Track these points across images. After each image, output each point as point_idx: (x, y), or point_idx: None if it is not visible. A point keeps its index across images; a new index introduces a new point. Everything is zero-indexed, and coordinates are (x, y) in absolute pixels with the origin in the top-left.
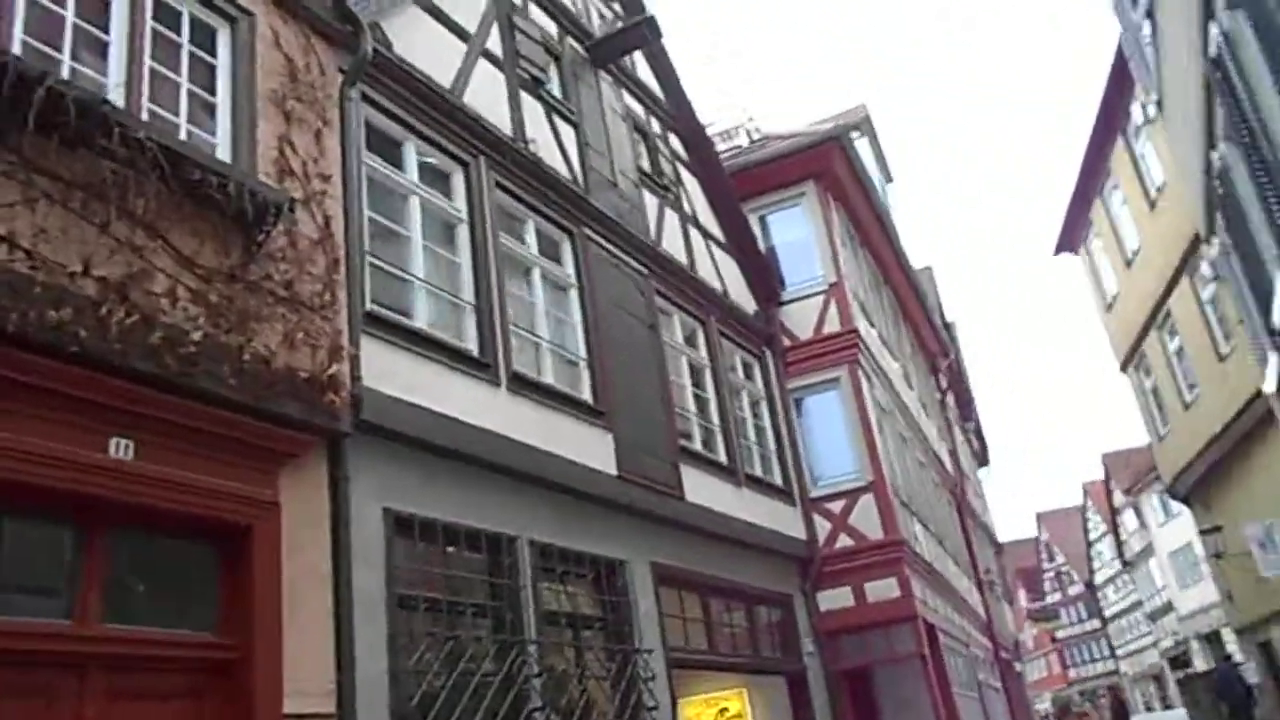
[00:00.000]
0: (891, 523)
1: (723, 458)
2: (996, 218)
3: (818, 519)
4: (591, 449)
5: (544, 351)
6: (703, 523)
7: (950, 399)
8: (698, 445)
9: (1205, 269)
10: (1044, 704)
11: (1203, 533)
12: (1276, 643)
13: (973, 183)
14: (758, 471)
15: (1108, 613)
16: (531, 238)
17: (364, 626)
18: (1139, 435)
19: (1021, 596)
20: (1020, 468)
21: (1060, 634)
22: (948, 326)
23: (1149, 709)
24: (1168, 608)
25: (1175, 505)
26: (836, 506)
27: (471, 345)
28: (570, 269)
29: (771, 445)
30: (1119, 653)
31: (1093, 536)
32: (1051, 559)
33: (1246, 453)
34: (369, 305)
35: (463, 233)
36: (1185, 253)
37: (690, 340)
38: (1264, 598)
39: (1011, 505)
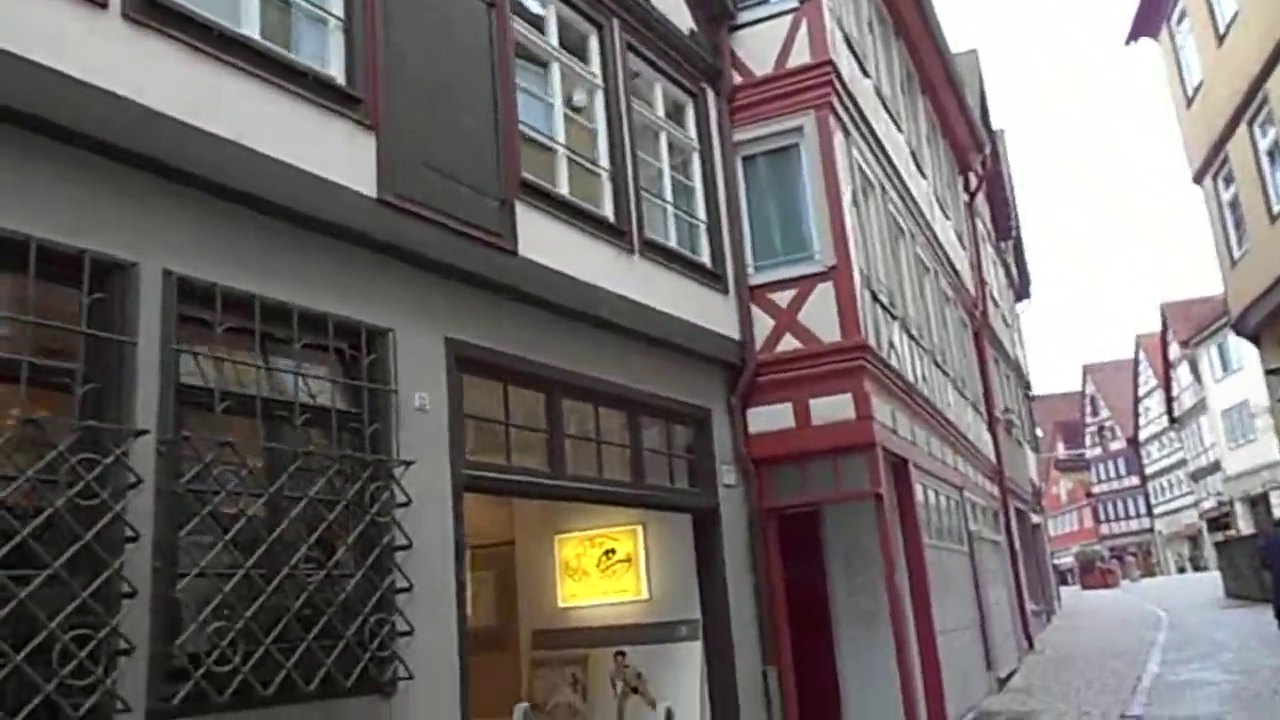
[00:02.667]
0: (852, 321)
1: (607, 212)
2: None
3: (757, 313)
4: (331, 152)
5: None
6: (556, 295)
7: (984, 209)
8: (562, 189)
9: None
10: (1067, 558)
11: (1270, 373)
12: None
13: None
14: (671, 242)
15: (1149, 470)
16: None
17: None
18: (1201, 285)
19: (1060, 450)
20: (1069, 317)
21: (1096, 489)
22: (990, 129)
23: (1180, 571)
24: (1214, 467)
25: (1235, 360)
26: (784, 298)
27: None
28: None
29: (701, 213)
30: (1156, 511)
31: (1142, 391)
32: (1095, 413)
33: None
34: None
35: None
36: None
37: (574, 48)
38: None
39: (1057, 355)
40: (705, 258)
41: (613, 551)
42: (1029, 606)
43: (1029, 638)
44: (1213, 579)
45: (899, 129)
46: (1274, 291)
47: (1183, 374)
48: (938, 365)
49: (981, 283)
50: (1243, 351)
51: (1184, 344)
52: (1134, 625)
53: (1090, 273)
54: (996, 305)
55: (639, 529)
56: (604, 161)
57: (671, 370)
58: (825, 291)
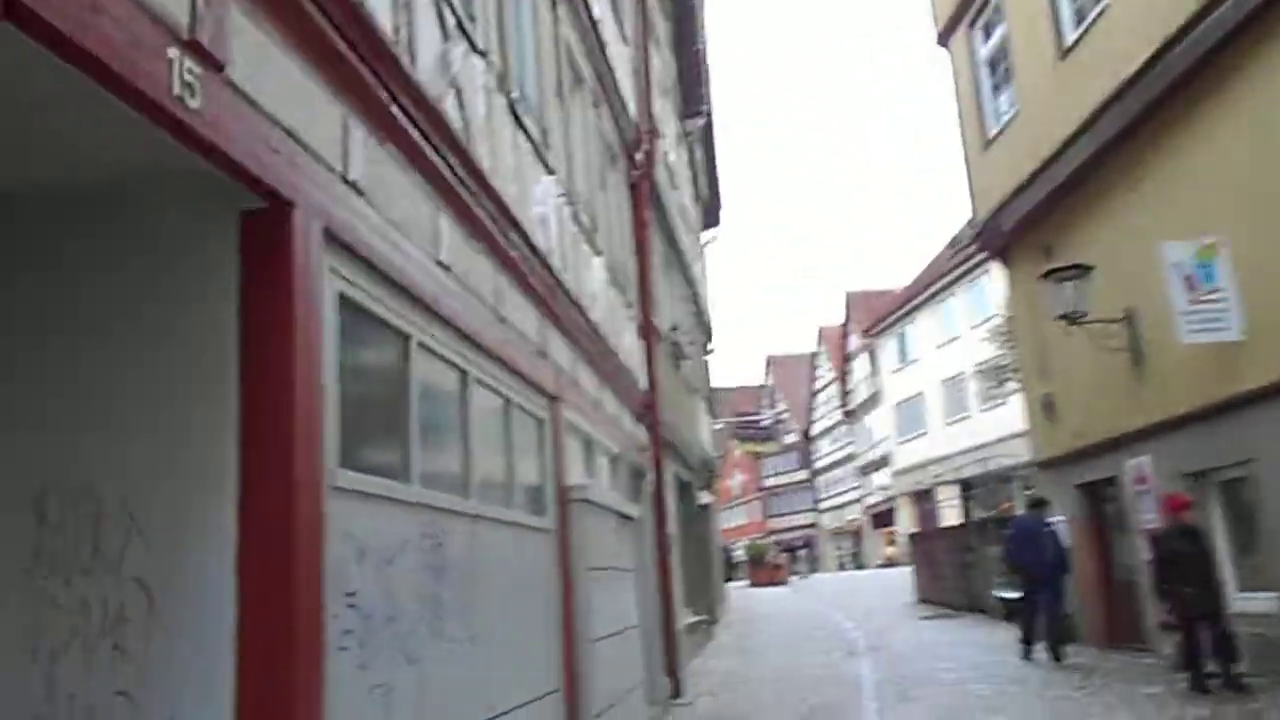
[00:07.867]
0: None
1: None
2: None
3: None
4: None
5: None
6: None
7: (667, 49)
8: None
9: None
10: (739, 552)
11: (1055, 274)
12: (1126, 484)
13: None
14: None
15: (817, 465)
16: None
17: None
18: (885, 279)
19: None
20: (756, 301)
21: (767, 483)
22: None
23: (841, 568)
24: (882, 461)
25: (912, 351)
26: None
27: None
28: None
29: None
30: (820, 506)
31: (819, 384)
32: (773, 406)
33: (1181, 119)
34: None
35: None
36: None
37: None
38: (1129, 404)
39: (738, 346)
40: None
41: None
42: (681, 621)
43: (675, 677)
44: (889, 577)
45: None
46: (1060, 159)
47: (860, 366)
48: (540, 155)
49: (651, 121)
50: (920, 343)
51: (865, 333)
52: (821, 645)
53: (785, 242)
54: (672, 180)
55: None
56: None
57: None
58: None
